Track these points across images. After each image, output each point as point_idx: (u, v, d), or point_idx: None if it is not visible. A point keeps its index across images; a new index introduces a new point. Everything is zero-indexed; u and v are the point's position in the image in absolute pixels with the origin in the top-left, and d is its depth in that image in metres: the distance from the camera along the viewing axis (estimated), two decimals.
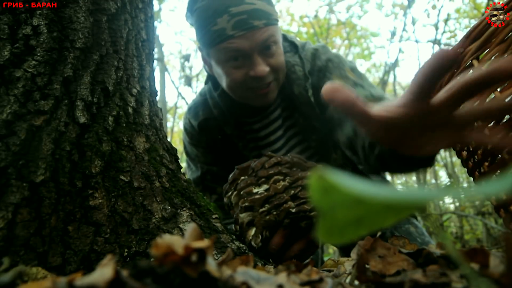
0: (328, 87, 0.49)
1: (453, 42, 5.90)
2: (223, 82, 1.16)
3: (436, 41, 5.63)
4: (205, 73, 1.34)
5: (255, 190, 0.74)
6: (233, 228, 0.79)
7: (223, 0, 1.01)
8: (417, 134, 0.55)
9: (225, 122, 1.27)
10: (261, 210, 0.73)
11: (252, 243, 0.73)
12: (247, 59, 1.05)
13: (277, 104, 1.26)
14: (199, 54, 1.24)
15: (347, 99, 0.48)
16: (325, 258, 0.97)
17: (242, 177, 0.79)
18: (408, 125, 0.53)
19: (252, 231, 0.74)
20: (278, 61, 1.09)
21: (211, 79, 1.30)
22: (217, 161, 1.36)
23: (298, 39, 1.31)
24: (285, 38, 1.28)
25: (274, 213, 0.72)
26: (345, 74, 1.14)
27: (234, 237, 0.73)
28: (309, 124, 1.22)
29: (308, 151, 1.29)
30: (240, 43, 1.02)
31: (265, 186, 0.74)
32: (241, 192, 0.76)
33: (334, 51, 1.28)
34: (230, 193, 0.80)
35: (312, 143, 1.25)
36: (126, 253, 0.62)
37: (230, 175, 0.82)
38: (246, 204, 0.74)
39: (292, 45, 1.25)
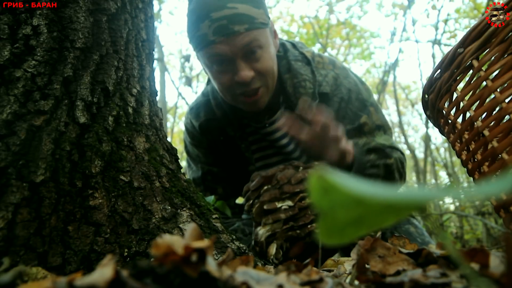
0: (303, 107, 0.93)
1: (453, 42, 5.90)
2: (215, 86, 1.16)
3: (436, 41, 5.63)
4: (205, 74, 1.34)
5: (278, 205, 0.74)
6: (251, 242, 0.80)
7: (206, 4, 1.01)
8: (321, 146, 0.93)
9: (228, 124, 1.27)
10: (284, 227, 0.73)
11: (274, 260, 0.74)
12: (231, 64, 1.04)
13: (281, 113, 1.25)
14: None
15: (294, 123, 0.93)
16: None
17: (266, 187, 0.78)
18: (319, 139, 0.92)
19: (273, 248, 0.74)
20: (265, 65, 1.07)
21: None
22: (218, 162, 1.36)
23: (307, 49, 1.28)
24: (293, 46, 1.26)
25: (298, 231, 0.73)
26: (369, 113, 1.19)
27: (234, 237, 0.73)
28: None
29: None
30: (221, 48, 1.01)
31: (289, 202, 0.74)
32: (264, 207, 0.75)
33: (334, 51, 1.28)
34: (251, 202, 0.79)
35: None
36: (126, 253, 0.62)
37: (254, 182, 0.81)
38: (270, 221, 0.74)
39: (302, 55, 1.22)
